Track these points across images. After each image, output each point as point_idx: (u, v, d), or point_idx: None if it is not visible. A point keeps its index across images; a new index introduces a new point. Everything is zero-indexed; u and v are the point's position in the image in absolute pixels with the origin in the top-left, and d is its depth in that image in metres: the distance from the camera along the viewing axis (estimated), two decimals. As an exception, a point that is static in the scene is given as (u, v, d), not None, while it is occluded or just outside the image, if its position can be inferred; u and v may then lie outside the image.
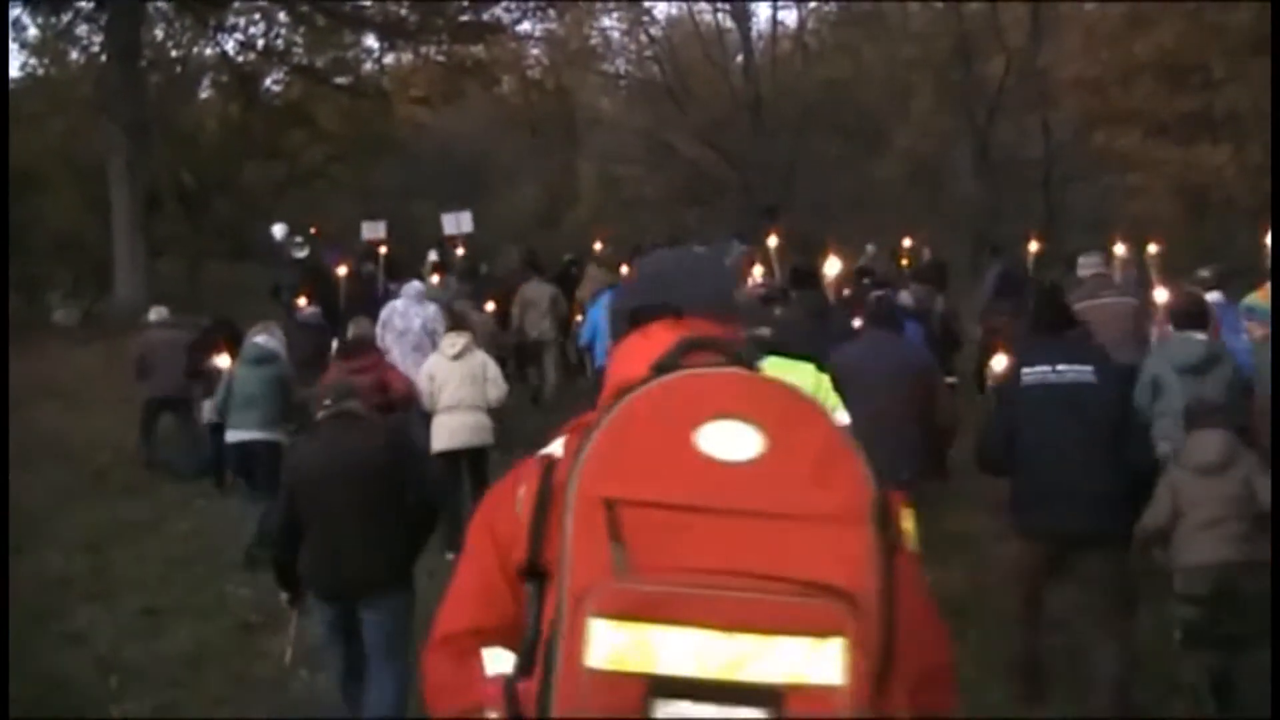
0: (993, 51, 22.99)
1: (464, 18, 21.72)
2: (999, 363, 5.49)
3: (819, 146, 26.17)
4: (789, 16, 28.84)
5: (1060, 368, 4.75)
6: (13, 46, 20.35)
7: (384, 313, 9.93)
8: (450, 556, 6.45)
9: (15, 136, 15.51)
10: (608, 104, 30.75)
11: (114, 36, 18.73)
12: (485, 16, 22.31)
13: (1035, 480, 4.72)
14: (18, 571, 6.74)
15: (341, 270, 12.38)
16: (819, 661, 1.18)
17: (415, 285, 10.54)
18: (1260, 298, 6.15)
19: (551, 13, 25.00)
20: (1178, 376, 5.57)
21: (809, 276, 8.92)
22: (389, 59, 25.38)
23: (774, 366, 4.34)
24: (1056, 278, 9.90)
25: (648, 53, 28.50)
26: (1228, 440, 4.66)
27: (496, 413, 8.06)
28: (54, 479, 9.60)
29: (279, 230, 16.29)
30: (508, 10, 23.10)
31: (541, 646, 1.25)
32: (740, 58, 27.50)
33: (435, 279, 12.48)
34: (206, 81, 24.94)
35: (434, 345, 9.05)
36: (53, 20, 20.71)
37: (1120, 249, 10.06)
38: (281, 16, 22.21)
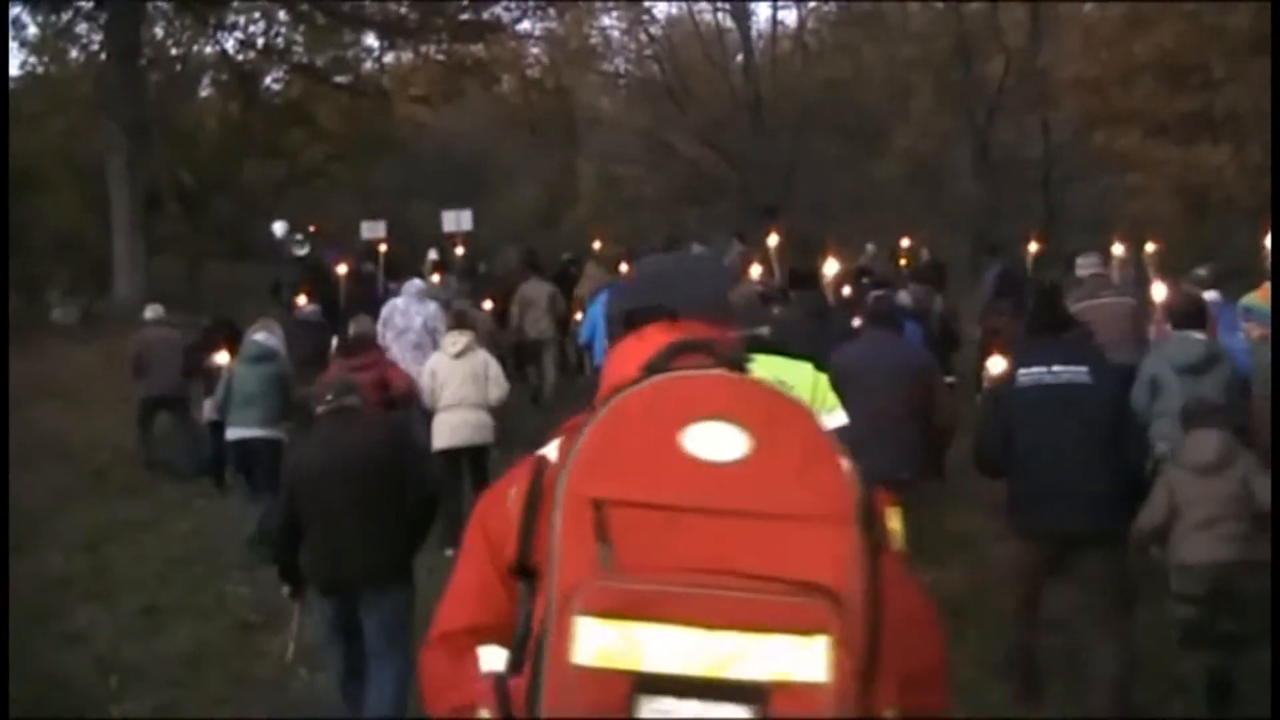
0: (992, 51, 22.99)
1: (464, 17, 21.71)
2: (995, 364, 5.51)
3: (819, 146, 26.16)
4: (789, 16, 28.87)
5: (1056, 369, 4.76)
6: (12, 45, 20.35)
7: (385, 311, 9.93)
8: (449, 553, 6.46)
9: (15, 135, 15.50)
10: (607, 103, 30.73)
11: (114, 35, 18.72)
12: (485, 15, 22.31)
13: (1032, 481, 4.72)
14: (17, 571, 6.73)
15: (342, 269, 12.39)
16: (804, 659, 1.19)
17: (416, 283, 10.55)
18: (1259, 298, 6.16)
19: (551, 12, 25.00)
20: (1176, 376, 5.59)
21: (807, 277, 8.94)
22: (389, 58, 25.41)
23: (773, 366, 4.38)
24: (1056, 278, 9.90)
25: (647, 52, 28.49)
26: (1225, 440, 4.67)
27: (497, 412, 8.08)
28: (53, 478, 9.59)
29: (280, 228, 16.30)
30: (507, 9, 23.11)
31: (531, 644, 1.27)
32: (740, 57, 27.49)
33: (435, 278, 12.51)
34: (206, 80, 24.95)
35: (434, 344, 9.07)
36: (52, 18, 20.71)
37: (1118, 249, 10.08)
38: (281, 15, 22.21)
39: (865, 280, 10.66)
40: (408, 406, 8.09)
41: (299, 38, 23.10)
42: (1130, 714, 4.67)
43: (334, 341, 8.99)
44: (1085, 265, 9.35)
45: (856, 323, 7.27)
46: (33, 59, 22.09)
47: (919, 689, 1.41)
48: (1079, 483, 4.58)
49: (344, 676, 5.11)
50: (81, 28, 21.11)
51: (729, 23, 27.72)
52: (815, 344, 5.10)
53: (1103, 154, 18.26)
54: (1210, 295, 6.96)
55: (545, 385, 12.03)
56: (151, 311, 11.03)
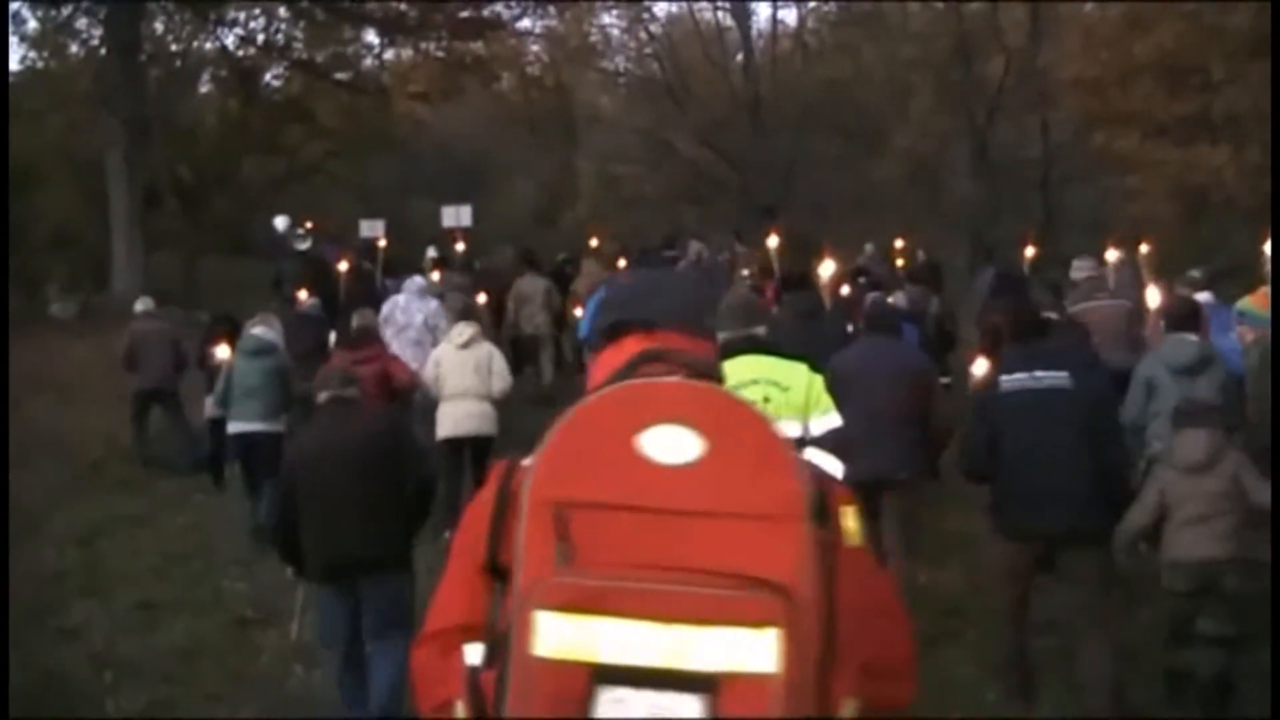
0: (992, 52, 22.97)
1: (464, 14, 21.69)
2: (979, 367, 5.58)
3: (818, 146, 26.14)
4: (789, 16, 28.84)
5: (1038, 374, 4.84)
6: (12, 40, 20.30)
7: (385, 308, 9.97)
8: (448, 535, 6.48)
9: (14, 130, 15.48)
10: (607, 102, 30.70)
11: (113, 30, 18.70)
12: (485, 13, 22.30)
13: (1018, 483, 4.80)
14: (12, 567, 6.72)
15: (343, 265, 12.40)
16: (754, 651, 1.25)
17: (417, 280, 10.59)
18: (1253, 302, 6.19)
19: (551, 9, 25.00)
20: (1172, 378, 5.73)
21: (800, 279, 9.00)
22: (389, 55, 25.35)
23: (768, 366, 4.39)
24: (1057, 278, 9.92)
25: (647, 50, 28.45)
26: (1215, 439, 4.74)
27: (498, 405, 8.14)
28: (49, 474, 9.59)
29: (281, 222, 16.27)
30: (508, 7, 23.11)
31: (502, 639, 1.34)
32: (740, 56, 27.47)
33: (435, 275, 12.53)
34: (206, 76, 24.89)
35: (435, 341, 9.12)
36: (52, 13, 20.64)
37: (1113, 253, 10.11)
38: (281, 11, 22.18)
39: (862, 280, 10.69)
40: (408, 401, 8.15)
41: (299, 34, 23.05)
42: (1126, 714, 4.69)
43: (332, 336, 9.02)
44: (1081, 268, 9.41)
45: (851, 328, 7.32)
46: (32, 54, 22.06)
47: (886, 679, 1.47)
48: (1063, 484, 4.67)
49: (341, 672, 5.12)
50: (81, 23, 21.06)
51: (729, 22, 27.70)
52: (807, 345, 5.14)
53: (1102, 154, 18.25)
54: (1203, 297, 7.03)
55: (543, 382, 12.03)
56: (142, 304, 11.05)
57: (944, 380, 7.89)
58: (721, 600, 1.26)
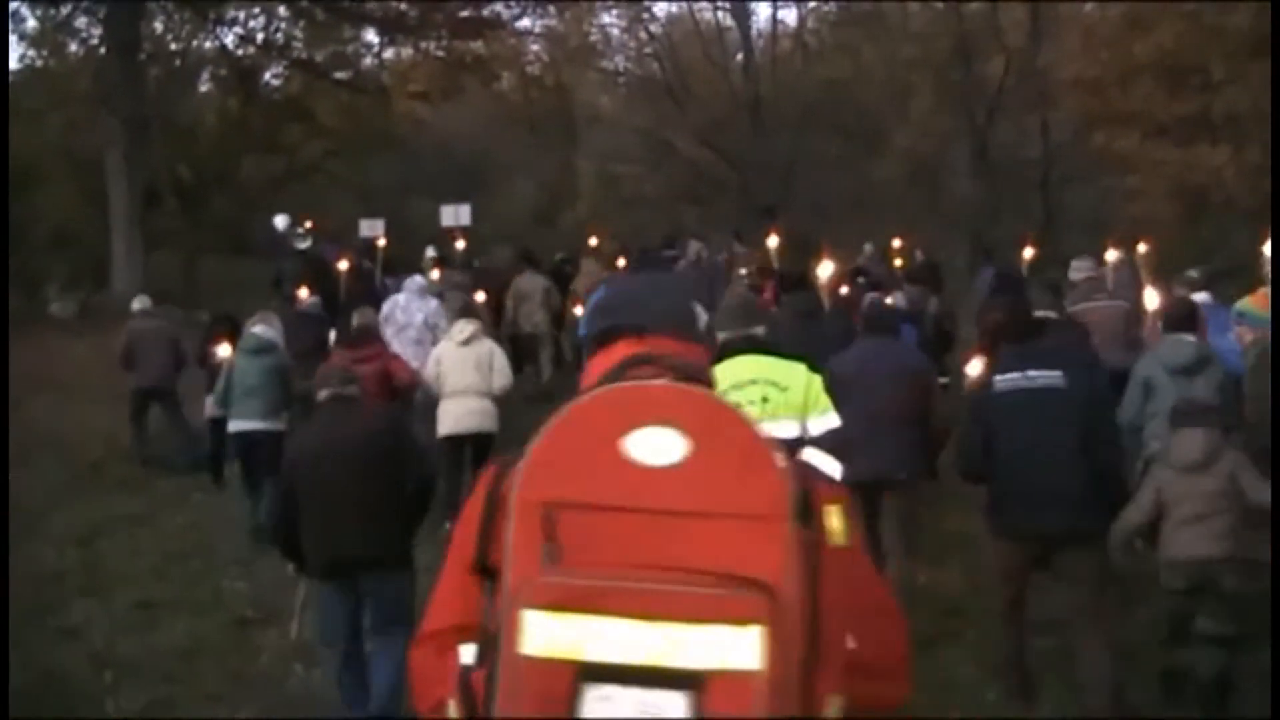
0: (992, 52, 22.97)
1: (464, 13, 21.68)
2: (974, 367, 5.59)
3: (818, 146, 26.14)
4: (789, 15, 28.85)
5: (1031, 373, 4.85)
6: (11, 39, 20.29)
7: (386, 307, 9.99)
8: (448, 526, 6.48)
9: (14, 130, 15.46)
10: (607, 102, 30.69)
11: (113, 30, 18.68)
12: (485, 12, 22.29)
13: (1013, 483, 4.81)
14: (12, 566, 6.72)
15: (343, 265, 12.41)
16: (738, 648, 1.26)
17: (417, 280, 10.61)
18: (1252, 303, 6.19)
19: (551, 9, 25.00)
20: (1169, 378, 5.76)
21: (798, 279, 9.01)
22: (388, 54, 25.31)
23: (767, 365, 4.39)
24: (1056, 279, 9.92)
25: (647, 50, 28.44)
26: (1212, 438, 4.76)
27: (499, 402, 8.16)
28: (49, 473, 9.58)
29: (281, 221, 16.27)
30: (507, 6, 23.09)
31: (492, 639, 1.36)
32: (740, 56, 27.46)
33: (435, 274, 12.54)
34: (205, 75, 24.86)
35: (435, 340, 9.14)
36: (51, 12, 20.63)
37: (1112, 254, 10.12)
38: (281, 11, 22.16)
39: (861, 280, 10.70)
40: (408, 400, 8.17)
41: (299, 33, 23.03)
42: (1125, 714, 4.69)
43: (332, 335, 9.03)
44: (1079, 269, 9.42)
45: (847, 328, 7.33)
46: (31, 53, 22.06)
47: (877, 678, 1.49)
48: (1058, 483, 4.68)
49: (341, 671, 5.13)
50: (81, 22, 21.04)
51: (729, 21, 27.71)
52: (806, 345, 5.16)
53: (1102, 154, 18.25)
54: (1201, 297, 7.05)
55: (542, 380, 12.04)
56: (139, 303, 11.06)
57: (942, 380, 7.91)
58: (706, 599, 1.28)
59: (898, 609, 1.61)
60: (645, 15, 27.79)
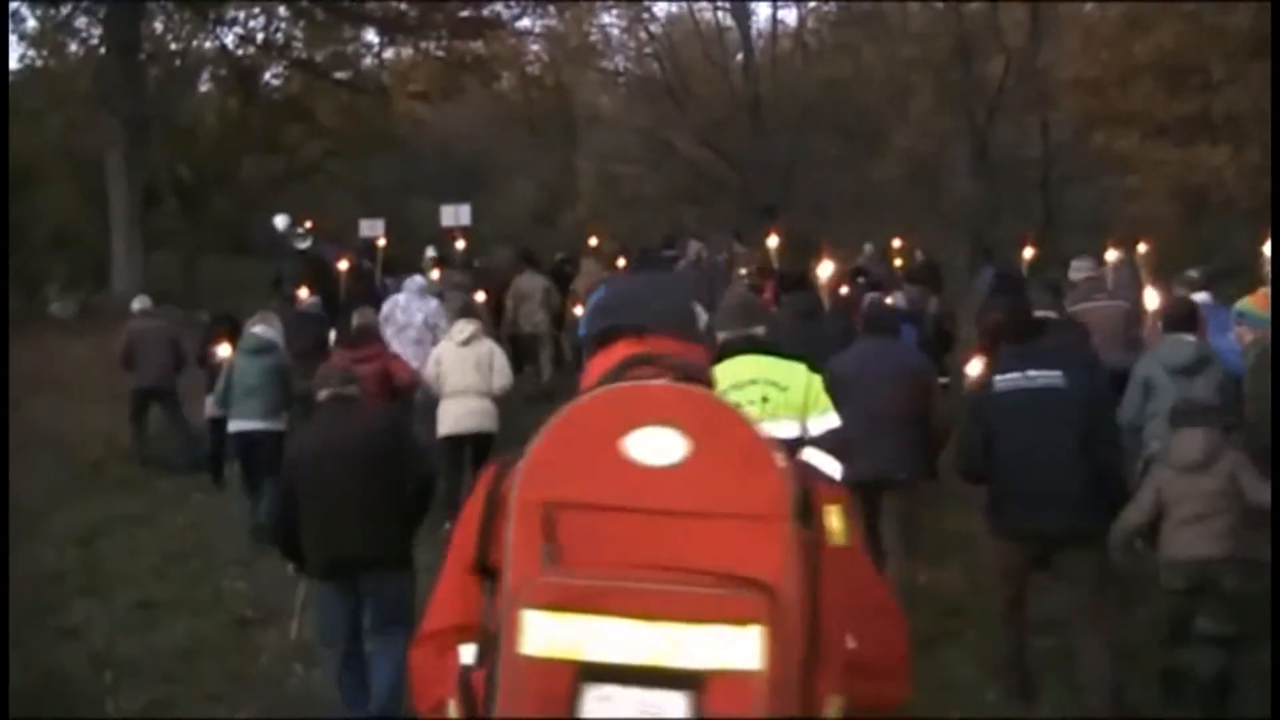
0: (992, 52, 22.97)
1: (464, 13, 21.67)
2: (974, 367, 5.59)
3: (818, 146, 26.14)
4: (789, 15, 28.85)
5: (1031, 373, 4.85)
6: (11, 39, 20.28)
7: (386, 307, 10.00)
8: (448, 526, 6.49)
9: (13, 130, 15.46)
10: (607, 102, 30.69)
11: (113, 29, 18.68)
12: (485, 12, 22.28)
13: (1013, 483, 4.81)
14: (12, 566, 6.72)
15: (343, 265, 12.41)
16: (738, 648, 1.27)
17: (417, 280, 10.62)
18: (1252, 303, 6.20)
19: (551, 9, 24.98)
20: (1169, 378, 5.76)
21: (798, 279, 9.01)
22: (388, 54, 25.30)
23: (767, 365, 4.40)
24: (1056, 278, 9.93)
25: (647, 50, 28.44)
26: (1211, 438, 4.77)
27: (499, 402, 8.16)
28: (49, 473, 9.58)
29: (281, 221, 16.28)
30: (507, 6, 23.07)
31: (492, 639, 1.36)
32: (740, 56, 27.46)
33: (435, 274, 12.54)
34: (205, 75, 24.85)
35: (435, 340, 9.14)
36: (51, 12, 20.62)
37: (1112, 254, 10.12)
38: (281, 11, 22.16)
39: (861, 280, 10.71)
40: (408, 400, 8.17)
41: (298, 33, 23.03)
42: (1125, 714, 4.69)
43: (332, 335, 9.04)
44: (1079, 269, 9.42)
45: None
46: (32, 53, 22.05)
47: (878, 678, 1.49)
48: (1057, 483, 4.68)
49: (341, 671, 5.13)
50: (81, 22, 21.02)
51: (729, 21, 27.71)
52: (806, 345, 5.16)
53: (1102, 155, 18.25)
54: (1201, 297, 7.05)
55: (542, 380, 12.04)
56: (139, 303, 11.07)
57: (942, 380, 7.91)
58: (706, 599, 1.28)
59: (898, 609, 1.61)
60: (645, 15, 27.81)
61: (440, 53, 22.76)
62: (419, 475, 5.18)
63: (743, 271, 12.17)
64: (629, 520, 1.34)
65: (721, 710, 1.26)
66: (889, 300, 8.83)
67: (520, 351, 12.29)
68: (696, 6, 27.81)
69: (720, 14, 27.81)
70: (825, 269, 8.33)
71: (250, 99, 23.01)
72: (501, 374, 8.16)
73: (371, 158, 24.75)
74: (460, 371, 8.03)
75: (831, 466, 4.38)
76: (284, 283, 12.56)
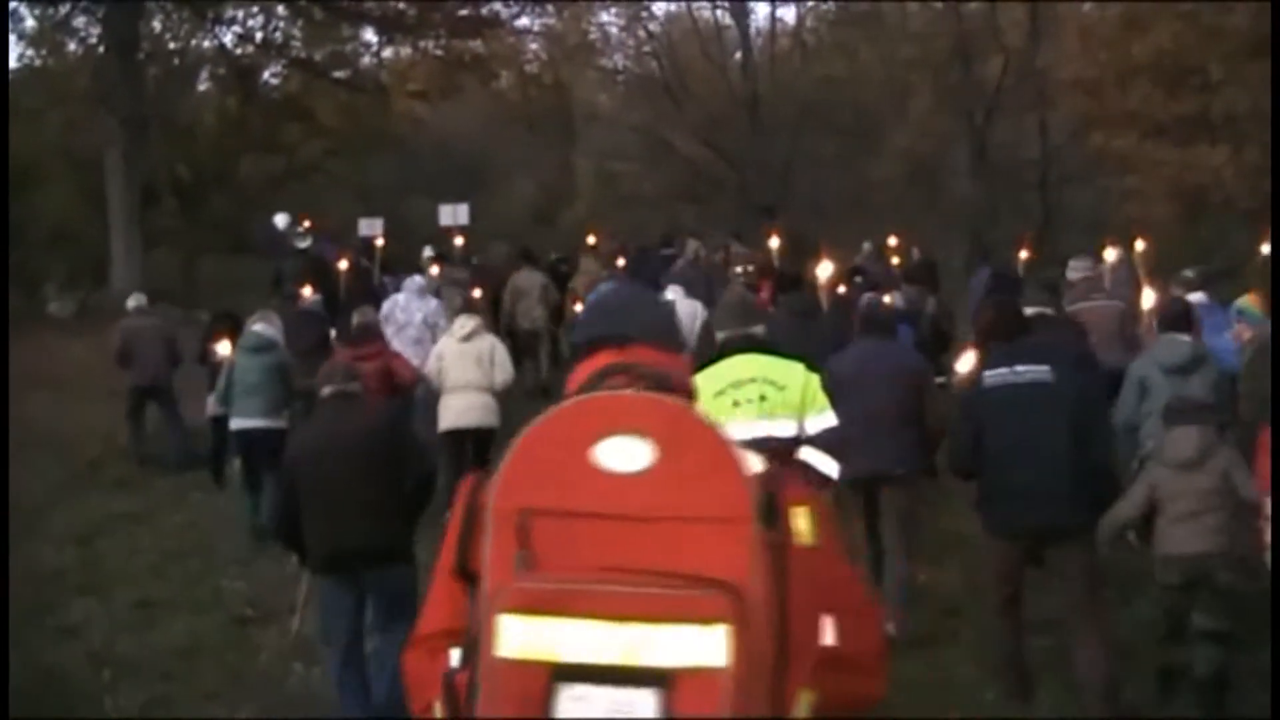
0: (991, 52, 22.99)
1: (462, 12, 21.66)
2: (963, 363, 5.60)
3: (816, 145, 26.15)
4: (787, 14, 28.85)
5: (1019, 369, 4.85)
6: (11, 38, 20.26)
7: (386, 307, 10.02)
8: (449, 515, 6.50)
9: (12, 129, 15.45)
10: (605, 100, 30.68)
11: (112, 29, 18.66)
12: (484, 11, 22.26)
13: (1003, 479, 4.82)
14: (11, 565, 6.72)
15: (343, 264, 12.43)
16: (705, 647, 1.30)
17: (417, 279, 10.66)
18: (1251, 301, 6.23)
19: (550, 8, 24.94)
20: (1165, 377, 5.80)
21: (794, 279, 9.02)
22: (387, 53, 25.28)
23: (765, 365, 4.41)
24: (1054, 278, 9.94)
25: (646, 49, 28.45)
26: (1205, 436, 4.80)
27: (500, 397, 8.19)
28: (47, 472, 9.59)
29: (281, 220, 16.29)
30: (506, 5, 23.03)
31: (474, 643, 1.41)
32: (738, 55, 27.47)
33: (434, 270, 12.57)
34: (204, 75, 24.81)
35: (434, 338, 9.18)
36: (50, 12, 20.60)
37: (1110, 254, 10.13)
38: (280, 10, 22.12)
39: (858, 280, 10.71)
40: (409, 397, 8.21)
41: (297, 32, 23.00)
42: (1122, 712, 4.70)
43: (332, 333, 9.05)
44: (1077, 268, 9.42)
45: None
46: (30, 52, 22.02)
47: (854, 674, 1.54)
48: (1047, 479, 4.67)
49: (341, 672, 5.13)
50: (79, 21, 20.98)
51: (727, 20, 27.70)
52: (803, 345, 5.17)
53: (1100, 155, 18.26)
54: (1197, 297, 7.07)
55: (541, 376, 12.06)
56: (135, 301, 11.08)
57: (939, 380, 7.91)
58: (673, 599, 1.32)
59: (873, 606, 1.66)
60: (644, 14, 27.82)
61: (439, 52, 22.74)
62: (419, 471, 5.20)
63: (739, 270, 12.18)
64: (600, 526, 1.38)
65: (690, 707, 1.29)
66: (886, 299, 8.83)
67: (518, 348, 12.31)
68: (695, 5, 27.86)
69: (719, 13, 27.82)
70: (824, 269, 8.34)
71: (249, 98, 22.99)
72: (502, 369, 8.21)
73: (370, 157, 24.73)
74: (461, 367, 8.07)
75: (828, 465, 4.40)
76: (284, 282, 12.57)
